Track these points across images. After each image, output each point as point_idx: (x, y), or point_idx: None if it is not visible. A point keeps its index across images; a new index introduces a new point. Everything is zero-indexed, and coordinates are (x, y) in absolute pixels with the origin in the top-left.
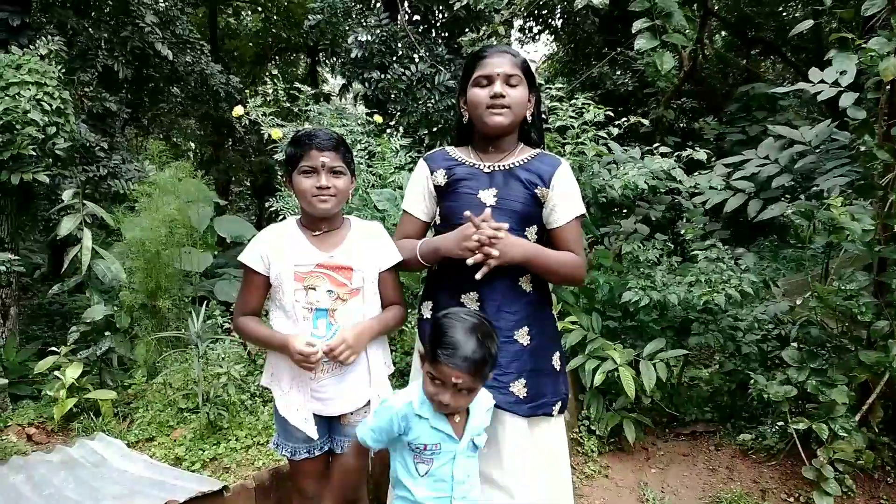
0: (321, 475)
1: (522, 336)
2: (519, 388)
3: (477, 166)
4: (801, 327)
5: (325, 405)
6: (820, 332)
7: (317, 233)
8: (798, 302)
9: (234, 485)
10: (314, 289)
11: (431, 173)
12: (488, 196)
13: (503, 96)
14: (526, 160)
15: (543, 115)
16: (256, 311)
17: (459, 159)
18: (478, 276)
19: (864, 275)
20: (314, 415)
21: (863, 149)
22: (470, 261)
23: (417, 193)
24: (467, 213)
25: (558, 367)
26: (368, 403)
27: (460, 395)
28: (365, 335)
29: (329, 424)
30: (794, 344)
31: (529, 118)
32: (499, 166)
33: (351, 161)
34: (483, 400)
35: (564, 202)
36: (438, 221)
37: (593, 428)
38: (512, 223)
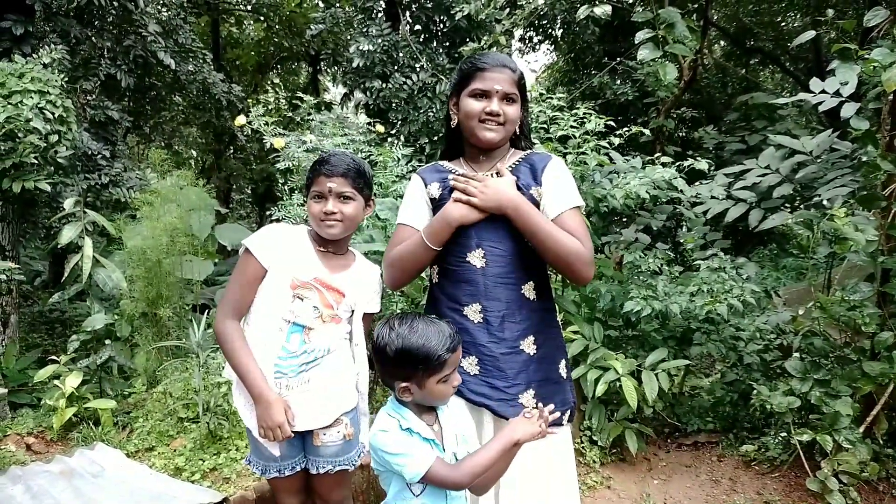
0: (300, 492)
1: (528, 345)
2: (528, 399)
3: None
4: (803, 337)
5: (292, 421)
6: (823, 342)
7: (322, 248)
8: (800, 312)
9: (234, 496)
10: (302, 299)
11: (426, 186)
12: None
13: (499, 114)
14: (517, 162)
15: (545, 126)
16: (244, 311)
17: (453, 171)
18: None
19: (867, 285)
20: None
21: (865, 159)
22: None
23: (415, 206)
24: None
25: (565, 375)
26: (336, 422)
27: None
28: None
29: (304, 444)
30: (797, 354)
31: (518, 130)
32: (492, 173)
33: (365, 187)
34: (454, 407)
35: (557, 192)
36: None
37: (595, 438)
38: (509, 226)
